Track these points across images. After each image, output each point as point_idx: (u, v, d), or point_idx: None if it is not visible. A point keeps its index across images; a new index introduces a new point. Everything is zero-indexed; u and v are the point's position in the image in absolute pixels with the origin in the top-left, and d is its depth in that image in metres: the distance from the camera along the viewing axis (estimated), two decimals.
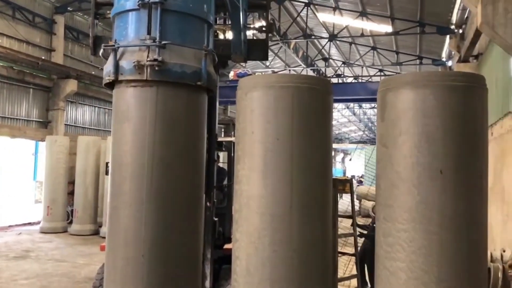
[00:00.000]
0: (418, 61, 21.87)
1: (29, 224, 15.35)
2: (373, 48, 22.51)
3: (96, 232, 13.83)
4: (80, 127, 18.78)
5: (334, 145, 42.45)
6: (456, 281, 2.50)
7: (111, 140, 3.65)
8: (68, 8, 17.83)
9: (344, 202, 7.11)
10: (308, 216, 2.84)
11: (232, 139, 5.97)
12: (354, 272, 6.00)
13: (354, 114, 42.36)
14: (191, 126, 3.61)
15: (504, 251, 6.19)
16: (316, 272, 2.87)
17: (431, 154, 2.52)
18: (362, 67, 26.53)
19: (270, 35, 5.48)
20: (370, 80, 25.95)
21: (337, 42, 22.63)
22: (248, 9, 5.01)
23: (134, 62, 3.37)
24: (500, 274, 5.62)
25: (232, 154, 6.39)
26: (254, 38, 8.96)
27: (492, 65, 9.55)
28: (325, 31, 21.61)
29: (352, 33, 20.26)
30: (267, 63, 25.29)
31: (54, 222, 14.06)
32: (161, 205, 3.41)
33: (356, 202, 16.58)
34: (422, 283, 2.50)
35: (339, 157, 61.73)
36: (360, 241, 7.25)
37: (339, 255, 5.34)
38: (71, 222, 14.43)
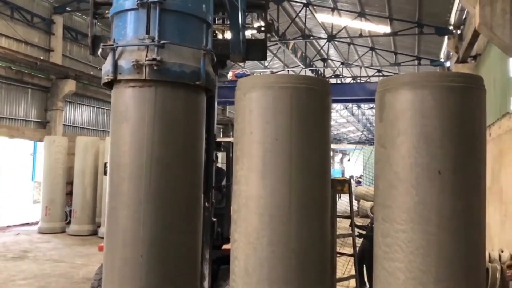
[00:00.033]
0: (416, 62, 21.91)
1: (27, 224, 15.33)
2: (372, 49, 22.55)
3: (94, 233, 13.82)
4: (78, 127, 18.76)
5: (333, 146, 42.46)
6: (454, 281, 2.50)
7: (109, 141, 3.65)
8: (67, 8, 17.82)
9: (342, 203, 7.13)
10: (307, 216, 2.84)
11: (231, 139, 5.98)
12: (353, 272, 6.01)
13: (353, 114, 42.42)
14: (189, 126, 3.61)
15: (502, 252, 6.20)
16: (314, 273, 2.87)
17: (429, 155, 2.53)
18: (361, 68, 26.59)
19: (268, 35, 5.48)
20: (368, 80, 25.98)
21: (336, 42, 22.65)
22: (246, 9, 5.02)
23: (133, 62, 3.37)
24: (498, 275, 5.63)
25: (231, 155, 6.39)
26: (253, 38, 8.98)
27: (490, 65, 9.57)
28: (324, 32, 21.64)
29: (351, 33, 20.28)
30: (266, 64, 25.32)
31: (52, 223, 14.05)
32: (160, 205, 3.41)
33: (355, 203, 16.60)
34: (420, 284, 2.50)
35: (337, 157, 61.79)
36: (359, 241, 7.25)
37: (338, 255, 5.35)
38: (69, 223, 14.42)
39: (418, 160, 2.54)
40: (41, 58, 16.17)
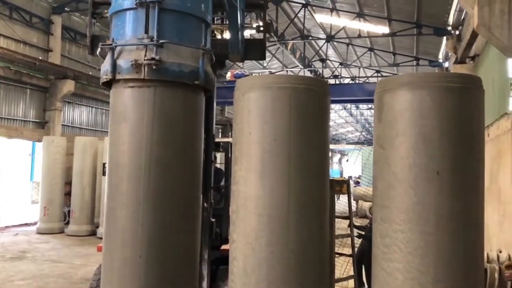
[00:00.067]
0: (415, 62, 21.93)
1: (26, 224, 15.32)
2: (370, 49, 22.57)
3: (93, 233, 13.81)
4: (77, 127, 18.75)
5: (331, 146, 42.49)
6: (453, 282, 2.50)
7: (108, 141, 3.65)
8: (65, 9, 17.80)
9: (341, 203, 7.13)
10: (305, 217, 2.84)
11: (230, 139, 5.98)
12: (352, 272, 6.01)
13: (351, 115, 42.43)
14: (188, 126, 3.61)
15: (500, 252, 6.21)
16: (313, 273, 2.87)
17: (428, 155, 2.53)
18: (359, 68, 26.60)
19: (267, 35, 5.48)
20: (367, 81, 26.00)
21: (334, 43, 22.66)
22: (245, 9, 5.02)
23: (131, 61, 3.37)
24: (496, 275, 5.64)
25: (230, 155, 6.39)
26: (252, 38, 8.97)
27: (488, 66, 9.59)
28: (323, 32, 21.66)
29: (349, 34, 20.30)
30: (265, 64, 25.33)
31: (51, 223, 14.04)
32: (159, 205, 3.40)
33: (353, 203, 16.60)
34: (418, 284, 2.51)
35: (336, 158, 61.82)
36: (358, 242, 7.25)
37: (336, 255, 5.35)
38: (68, 223, 14.41)
39: (416, 160, 2.54)
40: (40, 58, 16.17)
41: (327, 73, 28.23)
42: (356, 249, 6.20)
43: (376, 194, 2.77)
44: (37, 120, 16.70)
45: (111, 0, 3.72)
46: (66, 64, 17.87)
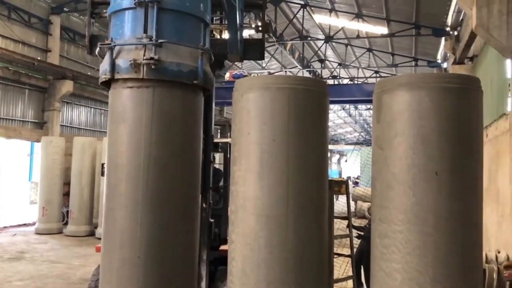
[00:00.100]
0: (413, 63, 21.94)
1: (24, 225, 15.29)
2: (369, 50, 22.57)
3: (91, 233, 13.79)
4: (75, 128, 18.73)
5: (330, 146, 42.51)
6: (451, 282, 2.51)
7: (107, 141, 3.65)
8: (64, 9, 17.78)
9: (340, 203, 7.13)
10: (304, 217, 2.84)
11: (228, 140, 5.97)
12: (350, 273, 6.01)
13: (350, 115, 42.44)
14: (187, 126, 3.61)
15: (499, 252, 6.22)
16: (312, 273, 2.87)
17: (426, 156, 2.53)
18: (358, 69, 26.62)
19: (266, 36, 5.48)
20: (365, 81, 26.03)
21: (333, 43, 22.66)
22: (244, 9, 5.02)
23: (130, 61, 3.37)
24: (495, 275, 5.64)
25: (228, 155, 6.38)
26: (250, 38, 8.96)
27: (487, 67, 9.60)
28: (321, 33, 21.65)
29: (348, 34, 20.30)
30: (263, 65, 25.33)
31: (49, 223, 14.02)
32: (157, 206, 3.40)
33: (352, 203, 16.61)
34: (417, 284, 2.51)
35: (335, 158, 61.84)
36: (356, 242, 7.26)
37: (335, 256, 5.35)
38: (66, 223, 14.38)
39: (415, 161, 2.55)
40: (39, 58, 16.14)
41: (325, 73, 28.24)
42: (355, 250, 6.20)
43: (375, 195, 2.77)
44: (36, 121, 16.68)
45: None
46: (64, 64, 17.84)
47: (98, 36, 4.19)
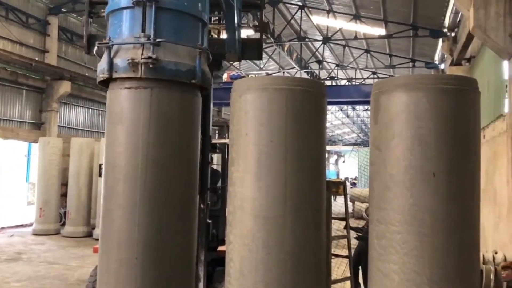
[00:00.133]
0: (411, 64, 21.97)
1: (22, 226, 15.25)
2: (367, 51, 22.60)
3: (89, 234, 13.76)
4: (73, 128, 18.69)
5: (328, 147, 42.51)
6: (448, 282, 2.51)
7: (104, 142, 3.64)
8: (62, 9, 17.75)
9: (337, 204, 7.13)
10: (302, 218, 2.84)
11: (226, 141, 5.98)
12: (348, 274, 6.01)
13: (348, 116, 42.47)
14: (185, 126, 3.61)
15: (496, 253, 6.23)
16: (309, 274, 2.88)
17: (423, 157, 2.54)
18: (356, 70, 26.64)
19: (264, 36, 5.48)
20: (363, 82, 26.05)
21: (331, 44, 22.69)
22: (242, 9, 5.02)
23: (128, 60, 3.37)
24: (492, 276, 5.65)
25: (226, 156, 6.39)
26: (248, 38, 8.96)
27: (484, 68, 9.62)
28: (319, 34, 21.67)
29: (346, 36, 20.33)
30: (261, 65, 25.33)
31: (46, 224, 13.98)
32: (155, 206, 3.40)
33: (350, 204, 16.62)
34: (414, 285, 2.51)
35: (332, 159, 61.85)
36: (354, 243, 7.26)
37: (333, 257, 5.35)
38: (64, 224, 14.35)
39: (412, 162, 2.55)
40: (36, 59, 16.11)
41: (323, 74, 28.27)
42: (353, 251, 6.20)
43: (373, 196, 2.78)
44: (33, 121, 16.64)
45: None
46: (62, 65, 17.81)
47: (96, 36, 4.19)
